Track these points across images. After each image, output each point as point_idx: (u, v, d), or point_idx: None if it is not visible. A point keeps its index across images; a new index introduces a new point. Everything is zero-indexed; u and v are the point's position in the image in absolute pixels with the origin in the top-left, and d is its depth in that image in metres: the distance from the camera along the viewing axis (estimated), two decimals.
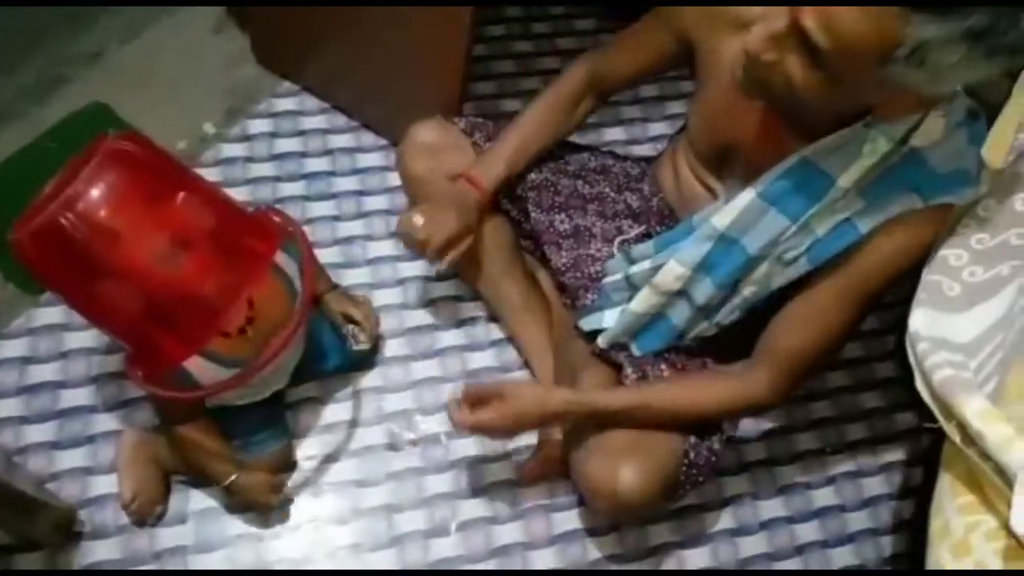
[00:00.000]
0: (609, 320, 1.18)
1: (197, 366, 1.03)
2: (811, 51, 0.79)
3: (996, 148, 1.06)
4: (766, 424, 1.48)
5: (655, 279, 1.11)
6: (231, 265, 1.01)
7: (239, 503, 1.25)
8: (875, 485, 1.46)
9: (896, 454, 1.49)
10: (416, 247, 1.22)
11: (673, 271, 1.08)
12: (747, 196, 0.99)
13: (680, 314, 1.13)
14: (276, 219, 1.12)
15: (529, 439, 1.37)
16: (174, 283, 0.97)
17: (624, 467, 1.06)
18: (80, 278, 0.97)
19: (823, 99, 0.84)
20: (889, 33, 0.73)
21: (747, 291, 1.05)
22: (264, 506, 1.24)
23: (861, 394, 1.54)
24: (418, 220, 1.19)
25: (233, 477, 1.19)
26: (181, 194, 0.98)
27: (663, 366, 1.18)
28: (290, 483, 1.31)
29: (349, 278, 1.48)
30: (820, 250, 0.97)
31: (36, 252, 0.96)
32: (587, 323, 1.22)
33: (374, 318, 1.37)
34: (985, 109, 0.96)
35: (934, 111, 0.88)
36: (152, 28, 1.69)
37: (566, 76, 1.26)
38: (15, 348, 1.36)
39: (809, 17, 0.77)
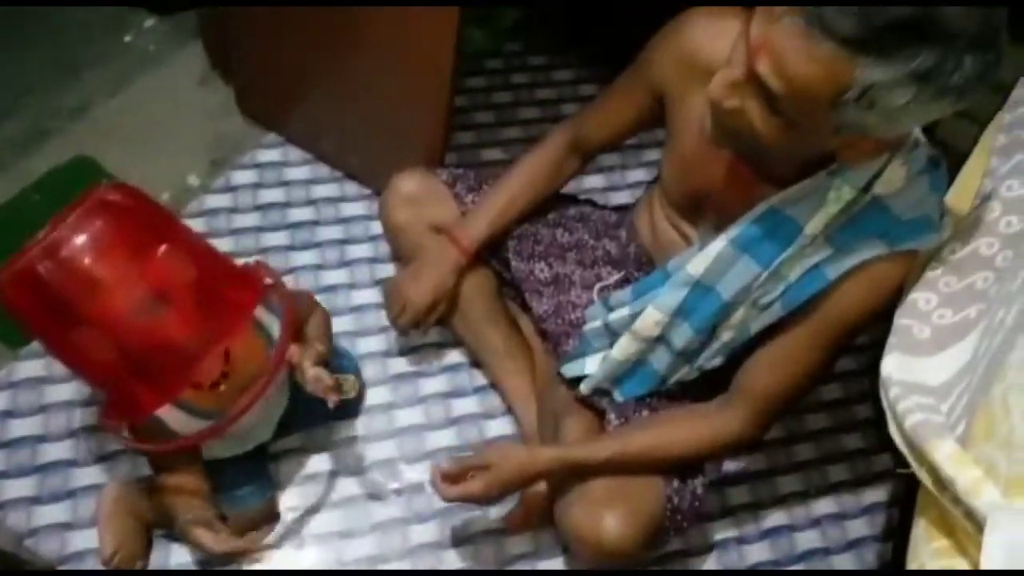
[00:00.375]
0: (591, 367, 1.20)
1: (171, 416, 1.04)
2: (768, 97, 0.81)
3: (962, 194, 1.09)
4: (749, 467, 1.48)
5: (635, 326, 1.12)
6: (209, 318, 1.02)
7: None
8: (859, 527, 1.46)
9: (879, 495, 1.50)
10: (391, 317, 1.35)
11: (652, 317, 1.10)
12: (719, 244, 1.02)
13: (661, 359, 1.15)
14: (261, 272, 1.13)
15: None
16: (150, 334, 0.97)
17: (608, 516, 1.06)
18: (58, 324, 0.98)
19: (784, 145, 0.86)
20: (838, 76, 0.75)
21: (726, 336, 1.07)
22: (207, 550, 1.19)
23: (842, 436, 1.55)
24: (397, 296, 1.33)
25: (189, 517, 1.15)
26: (164, 246, 0.99)
27: (645, 411, 1.19)
28: (273, 535, 1.29)
29: (333, 326, 1.48)
30: (792, 296, 0.99)
31: (16, 296, 0.97)
32: (569, 370, 1.23)
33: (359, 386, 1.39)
34: (953, 156, 0.99)
35: (895, 159, 0.91)
36: (138, 81, 1.72)
37: (549, 141, 1.28)
38: None
39: (762, 63, 0.80)
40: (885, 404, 0.91)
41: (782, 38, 0.77)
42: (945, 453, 0.80)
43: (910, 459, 0.86)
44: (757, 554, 1.41)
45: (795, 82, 0.78)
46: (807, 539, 1.43)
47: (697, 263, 1.04)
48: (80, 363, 1.03)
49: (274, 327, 1.09)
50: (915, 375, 0.92)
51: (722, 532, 1.42)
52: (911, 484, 0.95)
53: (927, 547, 0.86)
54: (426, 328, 1.37)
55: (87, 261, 0.94)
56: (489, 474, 1.08)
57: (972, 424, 0.81)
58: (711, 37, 0.99)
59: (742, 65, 0.83)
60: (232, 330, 1.04)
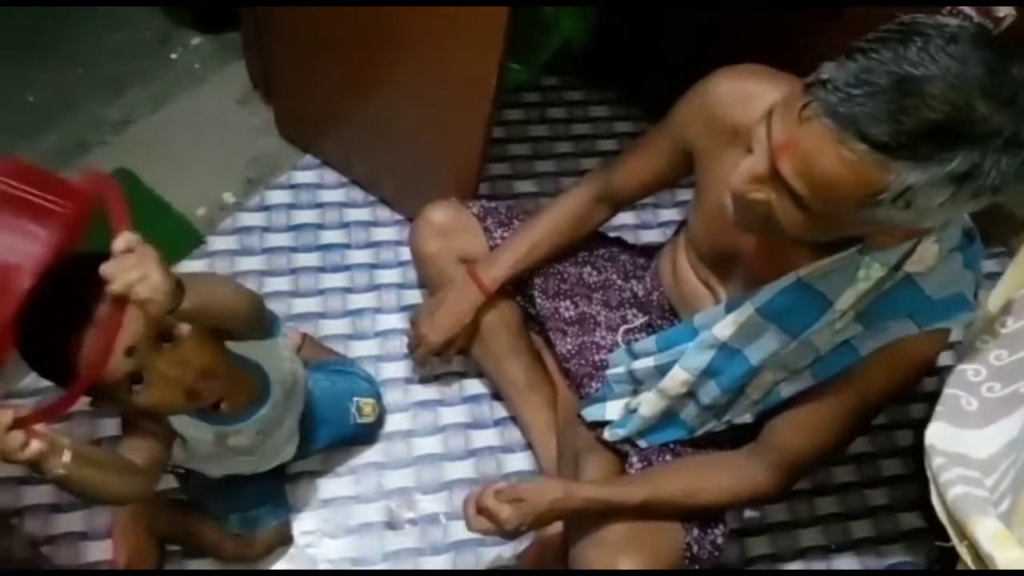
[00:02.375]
0: (611, 412, 1.19)
1: (179, 421, 1.02)
2: (791, 194, 0.78)
3: (1001, 295, 1.06)
4: (770, 518, 1.46)
5: (662, 384, 1.11)
6: None
7: None
8: None
9: (902, 555, 1.46)
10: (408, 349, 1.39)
11: (679, 377, 1.09)
12: (747, 311, 1.00)
13: (689, 413, 1.14)
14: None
15: None
16: None
17: (623, 559, 1.05)
18: None
19: (809, 235, 0.84)
20: (870, 180, 0.73)
21: (755, 395, 1.05)
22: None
23: (867, 491, 1.52)
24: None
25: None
26: None
27: (668, 457, 1.17)
28: (285, 559, 1.29)
29: (357, 350, 1.49)
30: (822, 368, 0.98)
31: None
32: (589, 413, 1.22)
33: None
34: (1011, 221, 0.97)
35: (927, 237, 0.89)
36: (179, 98, 1.74)
37: (578, 190, 1.28)
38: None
39: (786, 164, 0.77)
40: (929, 473, 0.90)
41: (810, 141, 0.74)
42: (986, 531, 0.79)
43: (950, 532, 0.84)
44: None
45: (822, 185, 0.75)
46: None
47: (724, 327, 1.03)
48: None
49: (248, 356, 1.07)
50: (960, 446, 0.91)
51: None
52: (940, 549, 0.93)
53: None
54: (446, 359, 1.37)
55: None
56: (523, 506, 1.05)
57: (1018, 502, 0.80)
58: (738, 100, 0.98)
59: (765, 159, 0.80)
60: None
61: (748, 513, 1.41)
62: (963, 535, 0.82)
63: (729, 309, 1.03)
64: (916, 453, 0.94)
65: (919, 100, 0.69)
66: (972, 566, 0.81)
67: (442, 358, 1.39)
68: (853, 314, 0.93)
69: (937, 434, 0.90)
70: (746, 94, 0.96)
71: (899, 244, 0.87)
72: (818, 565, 1.42)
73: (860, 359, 0.94)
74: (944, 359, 1.57)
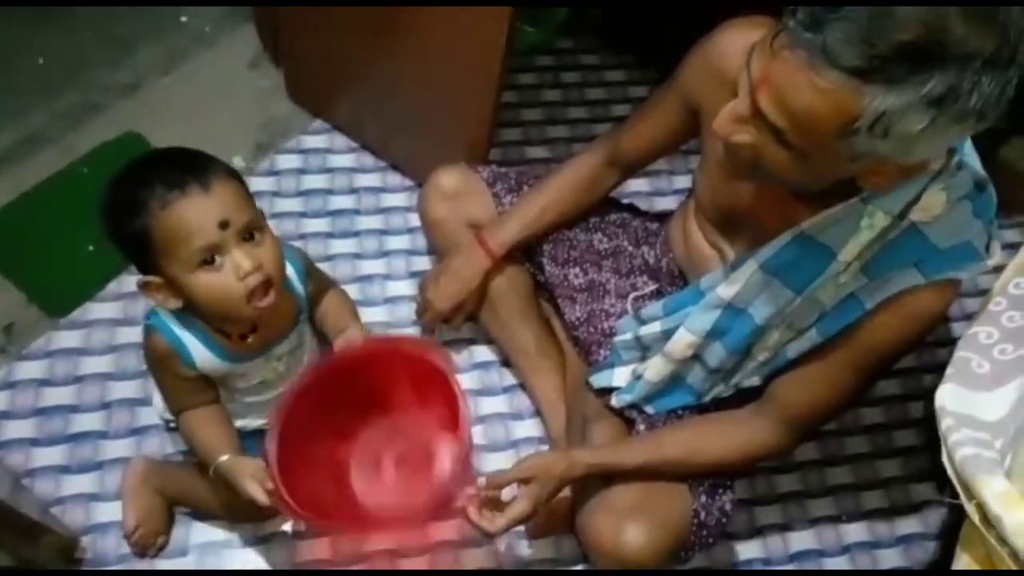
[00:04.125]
0: (619, 378, 1.17)
1: (198, 352, 1.02)
2: (774, 130, 0.78)
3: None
4: (781, 488, 1.45)
5: (667, 348, 1.10)
6: None
7: (228, 506, 1.19)
8: (891, 557, 1.41)
9: (914, 526, 1.45)
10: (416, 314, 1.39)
11: (684, 339, 1.08)
12: (749, 267, 0.99)
13: (696, 377, 1.12)
14: None
15: None
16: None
17: (630, 525, 1.04)
18: None
19: (798, 175, 0.82)
20: (845, 107, 0.71)
21: (761, 356, 1.04)
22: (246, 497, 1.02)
23: (880, 461, 1.50)
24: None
25: (224, 458, 1.02)
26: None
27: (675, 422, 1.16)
28: (293, 523, 1.29)
29: (366, 316, 1.47)
30: (828, 324, 0.95)
31: None
32: (597, 380, 1.21)
33: None
34: (1018, 178, 0.94)
35: (934, 184, 0.87)
36: (189, 61, 1.73)
37: (587, 154, 1.26)
38: (32, 370, 1.37)
39: (764, 98, 0.76)
40: (940, 434, 0.89)
41: (783, 72, 0.73)
42: (994, 491, 0.77)
43: (959, 491, 0.83)
44: None
45: (800, 116, 0.75)
46: (836, 565, 1.39)
47: (728, 287, 1.01)
48: None
49: (295, 281, 1.08)
50: (970, 408, 0.89)
51: (749, 552, 1.38)
52: (950, 517, 0.92)
53: None
54: (455, 326, 1.36)
55: None
56: (533, 489, 1.05)
57: (1018, 453, 0.78)
58: (743, 50, 0.96)
59: (746, 98, 0.79)
60: None
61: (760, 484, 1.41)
62: (971, 495, 0.81)
63: (733, 268, 1.01)
64: (929, 424, 0.92)
65: (890, 21, 0.67)
66: (980, 526, 0.79)
67: (450, 324, 1.38)
68: (858, 265, 0.91)
69: (947, 396, 0.89)
70: (751, 46, 0.94)
71: (894, 184, 0.84)
72: (828, 534, 1.42)
73: (866, 312, 0.92)
74: (957, 330, 1.55)
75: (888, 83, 0.69)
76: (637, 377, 1.16)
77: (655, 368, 1.12)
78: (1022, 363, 0.90)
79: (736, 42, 0.96)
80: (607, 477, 1.09)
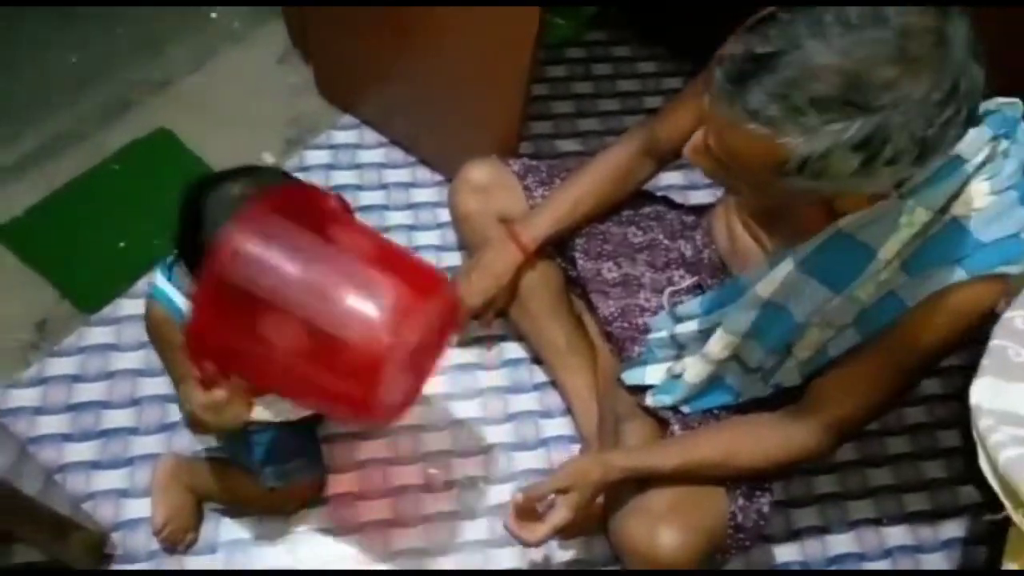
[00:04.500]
0: (651, 376, 1.15)
1: None
2: (723, 163, 0.79)
3: None
4: (820, 489, 1.40)
5: (705, 349, 1.07)
6: None
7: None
8: (935, 562, 1.37)
9: (958, 530, 1.40)
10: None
11: (721, 340, 1.05)
12: (787, 266, 0.96)
13: (734, 377, 1.09)
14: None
15: None
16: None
17: (664, 529, 1.01)
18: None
19: (766, 201, 0.84)
20: (771, 152, 0.72)
21: (802, 355, 1.00)
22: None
23: (923, 463, 1.46)
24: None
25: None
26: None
27: (711, 423, 1.13)
28: (321, 520, 1.29)
29: None
30: (868, 323, 0.93)
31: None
32: (629, 377, 1.18)
33: None
34: None
35: (978, 176, 0.84)
36: (219, 58, 1.73)
37: (622, 144, 1.23)
38: (65, 366, 1.37)
39: (708, 133, 0.79)
40: (976, 435, 0.83)
41: (714, 112, 0.75)
42: None
43: (1004, 499, 0.78)
44: None
45: (736, 156, 0.76)
46: (877, 569, 1.35)
47: (766, 285, 0.98)
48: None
49: None
50: (1009, 403, 0.83)
51: (786, 555, 1.34)
52: (1001, 524, 0.87)
53: None
54: (487, 323, 1.34)
55: None
56: (572, 498, 1.02)
57: None
58: None
59: (702, 130, 0.81)
60: None
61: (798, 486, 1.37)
62: (1019, 502, 0.75)
63: (772, 265, 0.98)
64: (966, 426, 0.87)
65: (808, 74, 0.67)
66: None
67: (481, 321, 1.35)
68: (898, 263, 0.88)
69: (984, 391, 0.83)
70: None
71: (870, 205, 0.83)
72: (868, 537, 1.37)
73: (907, 310, 0.88)
74: None
75: (805, 132, 0.69)
76: (675, 377, 1.13)
77: (694, 370, 1.10)
78: None
79: None
80: (642, 480, 1.07)
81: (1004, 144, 0.86)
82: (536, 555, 1.29)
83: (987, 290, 0.86)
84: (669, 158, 1.21)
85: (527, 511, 1.05)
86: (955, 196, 0.84)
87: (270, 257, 0.83)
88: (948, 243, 0.85)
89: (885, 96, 0.67)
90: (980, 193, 0.84)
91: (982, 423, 0.82)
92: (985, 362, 0.86)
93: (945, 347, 0.91)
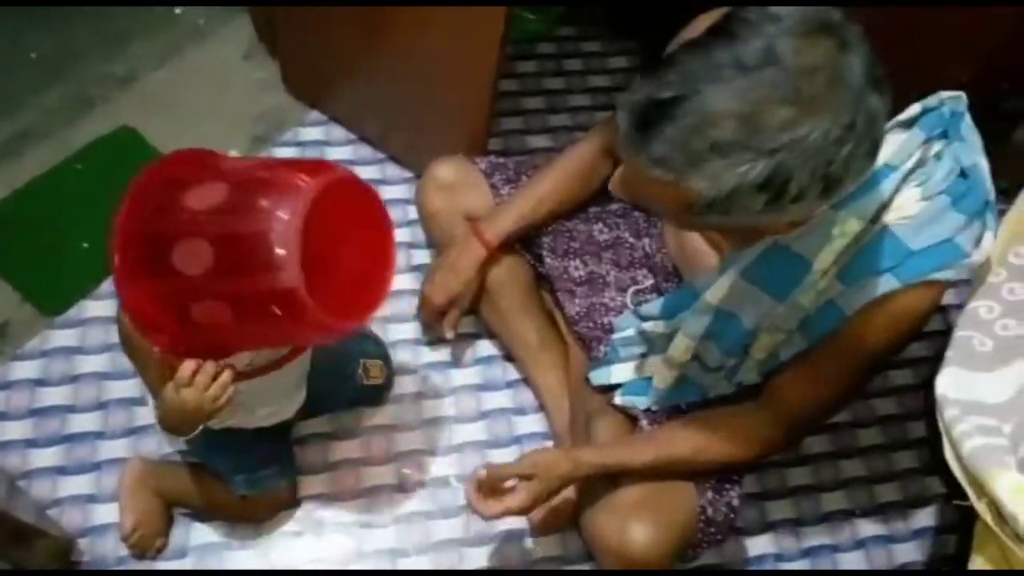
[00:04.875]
0: (617, 375, 1.15)
1: None
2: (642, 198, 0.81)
3: (1009, 228, 0.97)
4: (793, 481, 1.41)
5: (667, 354, 1.08)
6: None
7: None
8: (907, 552, 1.38)
9: (930, 519, 1.41)
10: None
11: (682, 344, 1.06)
12: (732, 275, 0.96)
13: (698, 376, 1.10)
14: None
15: None
16: None
17: (635, 524, 1.02)
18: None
19: (690, 230, 0.85)
20: (678, 193, 0.73)
21: (758, 355, 1.01)
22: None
23: (894, 454, 1.46)
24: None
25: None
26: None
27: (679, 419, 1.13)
28: (293, 522, 1.27)
29: None
30: (811, 329, 0.94)
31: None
32: (596, 378, 1.18)
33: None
34: None
35: (908, 182, 0.84)
36: (184, 53, 1.70)
37: (585, 142, 1.23)
38: (27, 370, 1.35)
39: (625, 171, 0.80)
40: (941, 426, 0.84)
41: (621, 155, 0.76)
42: (1006, 486, 0.73)
43: (968, 490, 0.79)
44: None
45: (648, 196, 0.78)
46: (850, 560, 1.36)
47: (715, 292, 0.99)
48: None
49: None
50: (974, 393, 0.84)
51: (760, 548, 1.35)
52: (968, 512, 0.88)
53: None
54: (453, 322, 1.32)
55: None
56: (534, 486, 1.02)
57: None
58: None
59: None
60: None
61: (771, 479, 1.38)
62: (982, 492, 0.76)
63: (721, 272, 0.99)
64: (932, 417, 0.88)
65: (706, 120, 0.68)
66: (992, 525, 0.75)
67: (448, 320, 1.32)
68: (834, 272, 0.88)
69: (949, 381, 0.84)
70: None
71: (800, 227, 0.83)
72: (842, 530, 1.38)
73: (847, 317, 0.89)
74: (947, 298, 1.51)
75: (708, 177, 0.70)
76: (645, 379, 1.13)
77: (660, 375, 1.10)
78: None
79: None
80: (612, 476, 1.06)
81: (937, 147, 0.86)
82: (511, 552, 1.29)
83: (920, 298, 0.86)
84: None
85: (490, 488, 1.05)
86: (886, 205, 0.84)
87: (166, 199, 0.84)
88: (879, 253, 0.86)
89: (783, 137, 0.67)
90: (911, 200, 0.85)
91: (947, 413, 0.83)
92: (950, 353, 0.87)
93: (890, 348, 0.92)
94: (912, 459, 1.46)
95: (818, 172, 0.69)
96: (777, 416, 1.01)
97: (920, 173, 0.85)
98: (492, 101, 1.36)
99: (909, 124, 0.88)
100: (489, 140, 1.49)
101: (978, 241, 0.86)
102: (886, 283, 0.86)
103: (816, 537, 1.37)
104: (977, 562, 0.81)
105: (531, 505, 1.03)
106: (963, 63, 1.23)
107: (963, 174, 0.85)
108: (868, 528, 1.39)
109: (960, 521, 1.40)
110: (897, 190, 0.84)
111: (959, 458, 0.80)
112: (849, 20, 0.69)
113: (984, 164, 0.86)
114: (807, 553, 1.35)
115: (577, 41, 1.87)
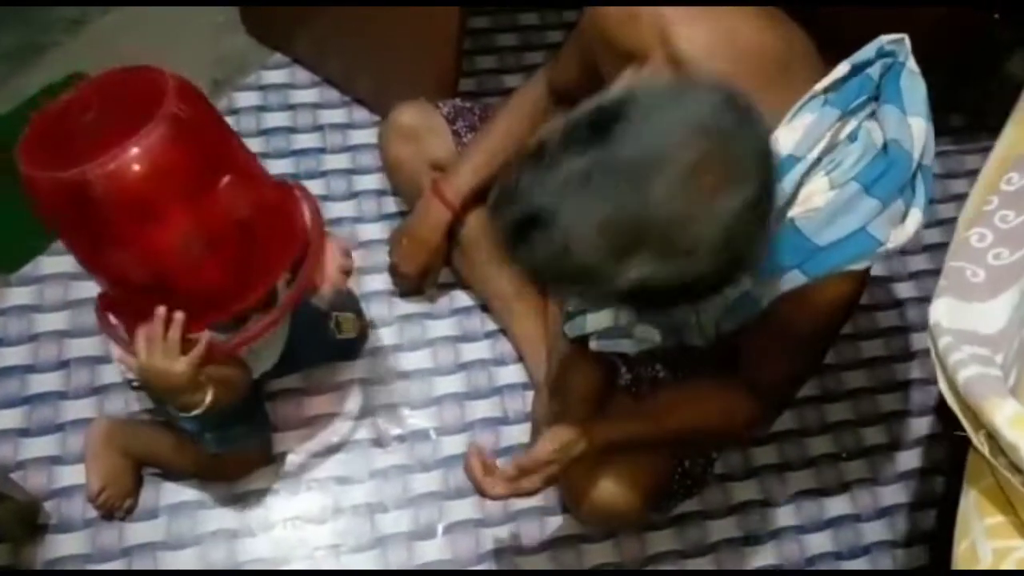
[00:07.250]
0: (592, 323, 1.10)
1: None
2: None
3: (1000, 154, 0.92)
4: (777, 426, 1.38)
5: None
6: (248, 268, 0.92)
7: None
8: (893, 494, 1.37)
9: (916, 461, 1.40)
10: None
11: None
12: None
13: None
14: (301, 208, 0.99)
15: (521, 438, 1.30)
16: (187, 274, 0.88)
17: (604, 475, 1.00)
18: (93, 239, 0.89)
19: None
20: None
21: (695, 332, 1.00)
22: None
23: (880, 396, 1.44)
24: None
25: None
26: (226, 178, 0.88)
27: (657, 365, 1.11)
28: (268, 479, 1.24)
29: None
30: (732, 317, 0.92)
31: (51, 199, 0.88)
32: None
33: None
34: None
35: (816, 171, 0.80)
36: None
37: (531, 85, 1.18)
38: None
39: None
40: (934, 355, 0.80)
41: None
42: (1005, 416, 0.69)
43: (963, 421, 0.75)
44: (782, 518, 1.33)
45: None
46: (836, 504, 1.35)
47: None
48: (107, 277, 0.95)
49: None
50: (968, 322, 0.80)
51: (745, 494, 1.33)
52: (956, 451, 0.85)
53: (980, 523, 0.76)
54: (429, 285, 1.33)
55: (145, 186, 0.83)
56: (552, 468, 0.97)
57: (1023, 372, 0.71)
58: (626, 19, 0.87)
59: None
60: (266, 282, 0.94)
61: None
62: (979, 423, 0.72)
63: None
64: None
65: (569, 243, 0.64)
66: (990, 458, 0.72)
67: (426, 290, 1.33)
68: None
69: (942, 310, 0.80)
70: (632, 13, 0.85)
71: None
72: (828, 474, 1.36)
73: (769, 308, 0.86)
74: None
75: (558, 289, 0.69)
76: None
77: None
78: (1019, 268, 0.81)
79: (617, 11, 0.88)
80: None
81: (852, 124, 0.81)
82: (491, 505, 1.26)
83: (839, 289, 0.84)
84: (575, 99, 1.15)
85: (488, 465, 1.00)
86: (791, 198, 0.80)
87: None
88: (787, 249, 0.82)
89: (602, 268, 0.65)
90: (820, 190, 0.81)
91: (941, 342, 0.79)
92: (943, 283, 0.83)
93: (827, 331, 0.91)
94: (898, 402, 1.44)
95: (709, 273, 0.66)
96: (750, 392, 0.98)
97: (829, 160, 0.80)
98: (461, 38, 1.30)
99: (827, 91, 0.81)
100: (461, 80, 1.43)
101: (903, 218, 0.82)
102: (794, 279, 0.83)
103: (802, 482, 1.36)
104: (971, 496, 0.78)
105: (544, 488, 0.98)
106: None
107: (884, 147, 0.81)
108: (854, 471, 1.38)
109: (948, 462, 1.38)
110: (802, 182, 0.80)
111: (953, 388, 0.77)
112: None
113: (918, 125, 0.81)
114: (793, 498, 1.34)
115: None
